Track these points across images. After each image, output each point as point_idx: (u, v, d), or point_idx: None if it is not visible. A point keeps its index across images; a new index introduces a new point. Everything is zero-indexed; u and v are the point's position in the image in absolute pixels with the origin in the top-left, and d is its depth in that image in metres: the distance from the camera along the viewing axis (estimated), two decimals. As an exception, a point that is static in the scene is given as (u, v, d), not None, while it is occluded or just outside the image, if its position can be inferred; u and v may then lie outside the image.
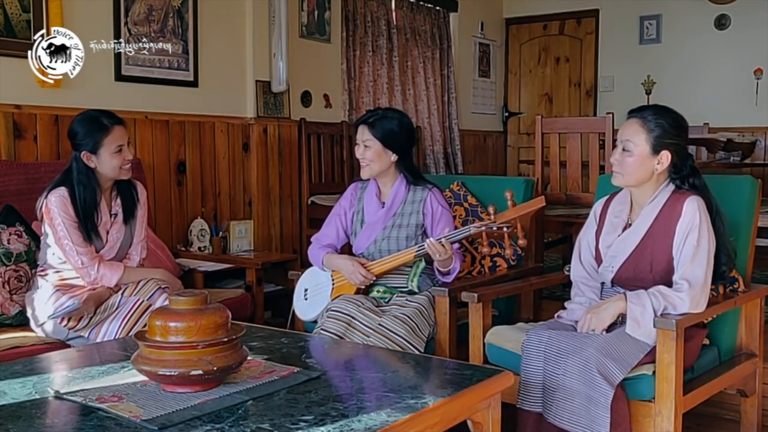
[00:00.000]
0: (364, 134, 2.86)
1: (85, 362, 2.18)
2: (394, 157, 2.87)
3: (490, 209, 2.67)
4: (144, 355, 1.80)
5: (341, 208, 3.03)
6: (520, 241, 2.65)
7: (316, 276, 3.01)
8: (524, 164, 7.19)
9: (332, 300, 2.82)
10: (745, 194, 2.73)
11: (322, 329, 2.66)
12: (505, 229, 2.60)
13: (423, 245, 2.71)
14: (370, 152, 2.85)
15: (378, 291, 2.87)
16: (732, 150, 5.13)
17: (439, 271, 2.80)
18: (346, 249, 3.06)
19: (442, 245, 2.65)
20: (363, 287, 2.84)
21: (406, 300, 2.77)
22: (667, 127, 2.39)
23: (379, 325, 2.63)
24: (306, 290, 3.03)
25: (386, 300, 2.84)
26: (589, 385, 2.19)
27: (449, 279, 2.81)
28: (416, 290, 2.83)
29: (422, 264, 2.84)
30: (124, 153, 2.82)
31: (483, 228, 2.62)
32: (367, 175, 2.90)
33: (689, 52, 6.60)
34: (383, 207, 2.92)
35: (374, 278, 2.83)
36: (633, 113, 2.47)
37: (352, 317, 2.67)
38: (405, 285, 2.87)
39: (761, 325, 2.76)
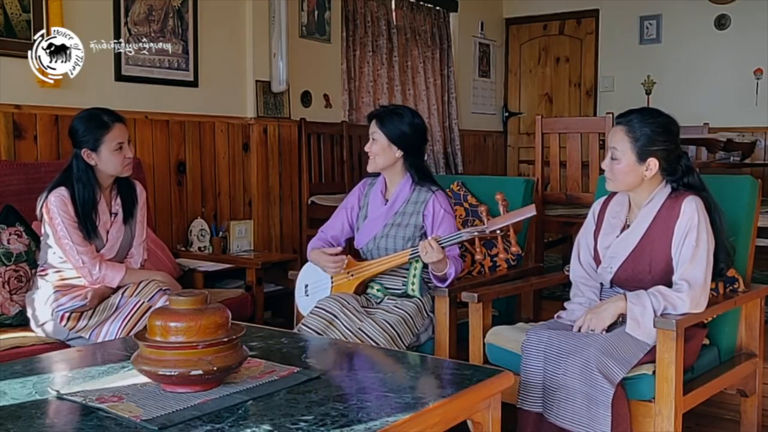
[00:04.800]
0: (372, 127, 2.89)
1: (85, 362, 2.18)
2: (398, 154, 2.86)
3: (482, 210, 2.67)
4: (144, 355, 1.80)
5: (348, 203, 3.05)
6: (513, 248, 2.64)
7: (315, 272, 3.01)
8: (524, 164, 7.18)
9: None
10: (745, 194, 2.73)
11: (303, 324, 2.68)
12: (498, 232, 2.58)
13: (417, 247, 2.70)
14: (376, 146, 2.86)
15: (372, 288, 2.88)
16: (732, 150, 5.13)
17: (434, 275, 2.76)
18: (351, 242, 3.08)
19: (431, 246, 2.62)
20: (356, 286, 2.84)
21: (395, 305, 2.74)
22: (652, 135, 2.38)
23: (359, 329, 2.62)
24: (306, 286, 3.04)
25: (378, 300, 2.84)
26: (589, 384, 2.19)
27: (443, 285, 2.76)
28: (417, 294, 2.81)
29: (420, 265, 2.81)
30: (124, 151, 2.82)
31: (476, 233, 2.61)
32: (371, 168, 2.91)
33: (689, 52, 6.60)
34: (386, 204, 2.92)
35: (345, 260, 2.83)
36: (619, 120, 2.46)
37: (335, 316, 2.68)
38: (400, 288, 2.85)
39: (761, 325, 2.77)
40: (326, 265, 2.86)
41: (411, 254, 2.74)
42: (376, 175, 3.00)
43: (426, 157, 3.10)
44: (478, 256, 2.68)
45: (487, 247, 2.96)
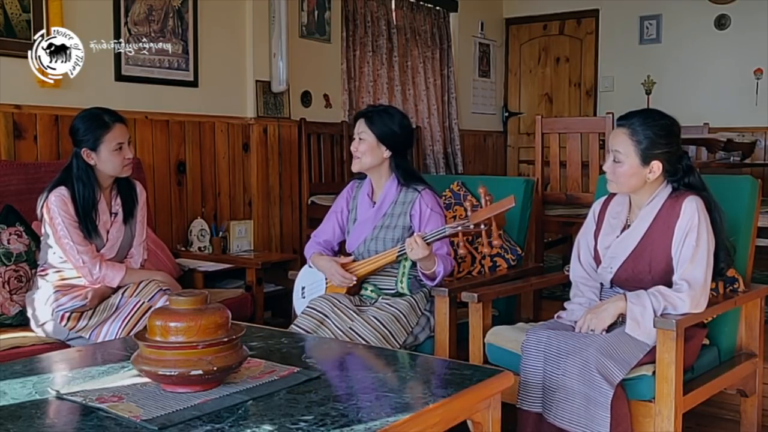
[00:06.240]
0: (360, 127, 2.86)
1: (85, 362, 2.18)
2: (387, 153, 2.85)
3: (467, 204, 2.66)
4: (144, 355, 1.80)
5: (338, 206, 3.04)
6: (494, 241, 2.61)
7: (312, 274, 3.02)
8: (524, 164, 7.19)
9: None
10: (745, 194, 2.73)
11: (294, 324, 2.69)
12: (482, 227, 2.56)
13: (404, 245, 2.69)
14: (363, 145, 2.84)
15: (366, 289, 2.88)
16: (732, 150, 5.13)
17: (423, 274, 2.75)
18: (344, 246, 3.07)
19: (417, 242, 2.61)
20: (349, 287, 2.83)
21: (388, 304, 2.73)
22: (655, 138, 2.37)
23: (350, 328, 2.62)
24: (303, 288, 3.04)
25: (372, 300, 2.83)
26: (588, 385, 2.19)
27: (432, 284, 2.76)
28: (407, 292, 2.81)
29: (408, 263, 2.79)
30: (124, 151, 2.82)
31: (459, 228, 2.59)
32: (357, 168, 2.89)
33: (689, 52, 6.60)
34: (374, 206, 2.92)
35: (354, 279, 2.81)
36: (621, 122, 2.46)
37: (326, 316, 2.68)
38: (393, 287, 2.85)
39: (761, 325, 2.77)
40: (333, 275, 2.84)
41: (399, 252, 2.74)
42: (363, 177, 2.99)
43: (414, 158, 3.07)
44: (461, 251, 2.66)
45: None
